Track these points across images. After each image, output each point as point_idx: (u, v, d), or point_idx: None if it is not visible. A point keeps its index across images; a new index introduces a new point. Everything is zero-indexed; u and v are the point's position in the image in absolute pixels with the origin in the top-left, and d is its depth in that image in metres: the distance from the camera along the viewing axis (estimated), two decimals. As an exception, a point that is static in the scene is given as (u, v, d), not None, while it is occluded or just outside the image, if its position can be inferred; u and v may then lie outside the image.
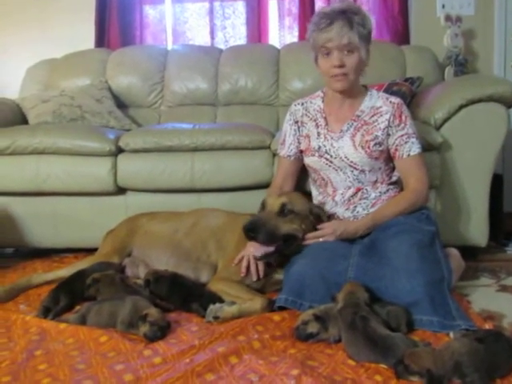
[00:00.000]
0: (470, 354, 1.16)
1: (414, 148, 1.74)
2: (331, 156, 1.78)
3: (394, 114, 1.75)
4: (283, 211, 1.63)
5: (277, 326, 1.46)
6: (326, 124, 1.82)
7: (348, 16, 1.68)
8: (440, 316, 1.42)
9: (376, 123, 1.76)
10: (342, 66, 1.68)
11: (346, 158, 1.76)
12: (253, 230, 1.58)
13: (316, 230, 1.67)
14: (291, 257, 1.65)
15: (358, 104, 1.80)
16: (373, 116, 1.78)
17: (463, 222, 2.13)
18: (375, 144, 1.75)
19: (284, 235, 1.63)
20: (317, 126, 1.84)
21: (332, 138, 1.79)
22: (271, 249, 1.61)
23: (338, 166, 1.78)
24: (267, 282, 1.71)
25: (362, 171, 1.76)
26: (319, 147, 1.80)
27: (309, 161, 1.85)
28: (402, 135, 1.74)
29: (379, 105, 1.78)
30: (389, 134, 1.75)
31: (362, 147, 1.75)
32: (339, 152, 1.77)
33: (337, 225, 1.65)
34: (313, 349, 1.32)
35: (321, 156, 1.80)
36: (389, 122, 1.75)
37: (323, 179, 1.84)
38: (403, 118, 1.75)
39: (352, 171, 1.77)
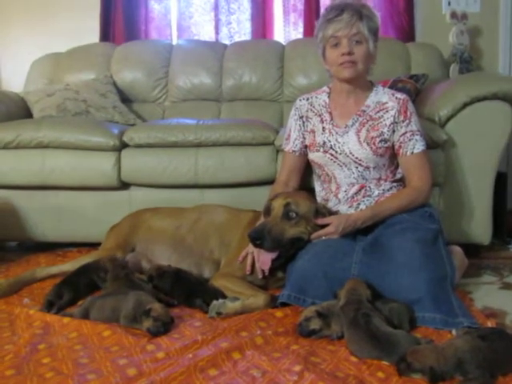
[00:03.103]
0: (472, 351, 1.16)
1: (418, 145, 1.74)
2: (336, 152, 1.78)
3: (399, 110, 1.75)
4: (288, 215, 1.63)
5: (279, 322, 1.47)
6: (331, 119, 1.82)
7: (357, 8, 1.70)
8: (443, 313, 1.43)
9: (382, 119, 1.76)
10: (350, 53, 1.68)
11: (351, 153, 1.76)
12: (258, 238, 1.58)
13: (321, 227, 1.67)
14: (295, 255, 1.65)
15: (364, 99, 1.80)
16: (378, 111, 1.77)
17: (467, 220, 2.13)
18: (381, 141, 1.74)
19: (290, 239, 1.63)
20: (322, 121, 1.83)
21: (337, 133, 1.79)
22: (275, 254, 1.60)
23: (343, 162, 1.78)
24: (270, 278, 1.71)
25: (367, 168, 1.76)
26: (324, 142, 1.80)
27: (313, 156, 1.85)
28: (406, 132, 1.74)
29: (385, 100, 1.78)
30: (394, 131, 1.75)
31: (368, 143, 1.74)
32: (344, 148, 1.77)
33: (337, 221, 1.65)
34: (315, 345, 1.32)
35: (326, 151, 1.80)
36: (394, 118, 1.74)
37: (327, 175, 1.83)
38: (408, 114, 1.75)
39: (357, 167, 1.77)
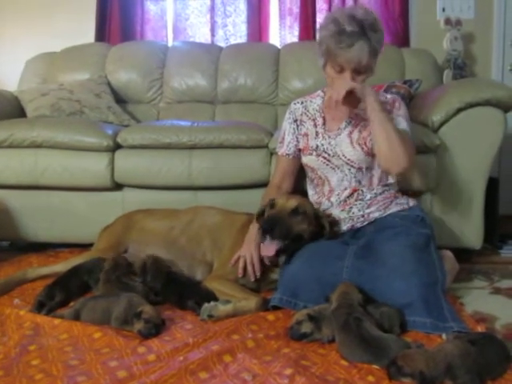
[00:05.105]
0: (462, 356, 1.17)
1: (402, 125, 1.74)
2: (329, 155, 1.79)
3: (388, 103, 1.78)
4: (296, 212, 1.64)
5: (271, 325, 1.47)
6: (324, 123, 1.83)
7: (368, 37, 1.65)
8: (433, 317, 1.43)
9: None
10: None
11: (343, 155, 1.77)
12: (271, 224, 1.58)
13: (318, 233, 1.68)
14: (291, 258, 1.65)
15: (357, 103, 1.79)
16: None
17: (458, 225, 2.14)
18: (372, 140, 1.73)
19: (295, 234, 1.64)
20: (315, 125, 1.84)
21: (329, 137, 1.80)
22: (279, 246, 1.61)
23: (336, 165, 1.79)
24: (263, 281, 1.72)
25: (359, 169, 1.77)
26: (317, 146, 1.81)
27: (306, 160, 1.85)
28: (393, 115, 1.75)
29: None
30: None
31: (359, 145, 1.75)
32: (336, 149, 1.78)
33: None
34: (306, 348, 1.32)
35: (318, 155, 1.81)
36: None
37: (320, 178, 1.84)
38: (397, 104, 1.78)
39: (349, 169, 1.78)
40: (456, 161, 2.11)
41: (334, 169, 1.80)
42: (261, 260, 1.68)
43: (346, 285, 1.45)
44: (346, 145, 1.77)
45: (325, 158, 1.80)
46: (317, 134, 1.83)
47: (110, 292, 1.59)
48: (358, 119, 1.79)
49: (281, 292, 1.56)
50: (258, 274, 1.68)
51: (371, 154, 1.75)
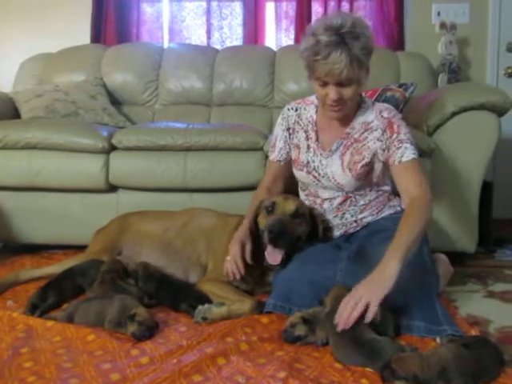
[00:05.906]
0: (456, 359, 1.17)
1: (408, 153, 1.62)
2: (319, 174, 1.74)
3: (384, 129, 1.66)
4: (296, 215, 1.64)
5: (265, 328, 1.46)
6: (317, 139, 1.76)
7: (347, 46, 1.50)
8: (427, 321, 1.43)
9: (366, 141, 1.69)
10: (339, 99, 1.57)
11: (333, 178, 1.72)
12: (279, 234, 1.58)
13: (312, 232, 1.68)
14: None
15: (350, 119, 1.71)
16: (363, 133, 1.70)
17: (453, 228, 2.15)
18: (362, 166, 1.68)
19: (296, 237, 1.64)
20: (307, 138, 1.78)
21: (321, 155, 1.74)
22: (283, 252, 1.61)
23: (326, 185, 1.75)
24: (257, 283, 1.72)
25: (349, 191, 1.73)
26: (308, 162, 1.76)
27: (297, 174, 1.81)
28: (394, 142, 1.65)
29: (370, 119, 1.69)
30: (383, 150, 1.67)
31: (350, 169, 1.68)
32: (327, 170, 1.72)
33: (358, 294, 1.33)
34: (300, 351, 1.32)
35: (309, 172, 1.76)
36: (380, 138, 1.66)
37: (311, 192, 1.81)
38: (395, 127, 1.65)
39: (339, 190, 1.74)
40: (451, 165, 2.11)
41: (324, 188, 1.76)
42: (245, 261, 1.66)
43: (339, 288, 1.45)
44: (337, 167, 1.70)
45: (315, 176, 1.75)
46: (308, 147, 1.77)
47: (104, 293, 1.58)
48: (350, 139, 1.71)
49: (274, 297, 1.56)
50: (242, 271, 1.64)
51: (361, 178, 1.69)
